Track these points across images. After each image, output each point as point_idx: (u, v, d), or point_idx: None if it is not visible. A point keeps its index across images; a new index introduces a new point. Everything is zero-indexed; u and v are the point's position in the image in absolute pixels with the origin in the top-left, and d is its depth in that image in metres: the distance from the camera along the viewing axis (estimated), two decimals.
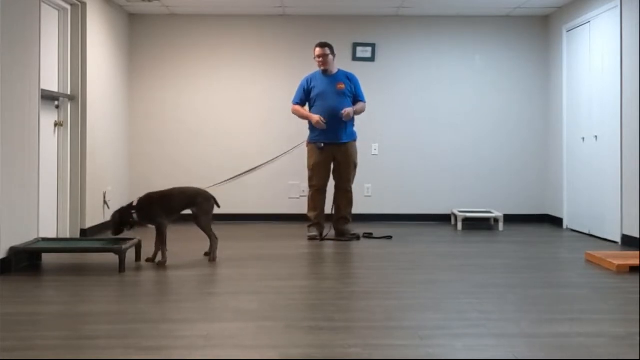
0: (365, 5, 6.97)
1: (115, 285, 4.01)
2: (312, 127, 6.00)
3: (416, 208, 7.44)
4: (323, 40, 6.12)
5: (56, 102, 5.67)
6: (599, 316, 3.31)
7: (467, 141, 7.48)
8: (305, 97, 6.07)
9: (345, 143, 5.97)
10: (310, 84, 6.04)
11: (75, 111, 5.90)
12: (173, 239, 4.96)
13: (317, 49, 6.00)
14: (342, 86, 5.98)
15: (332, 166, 6.03)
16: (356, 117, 6.13)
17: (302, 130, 6.20)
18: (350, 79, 6.07)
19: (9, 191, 4.37)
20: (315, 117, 5.89)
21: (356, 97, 6.07)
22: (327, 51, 5.98)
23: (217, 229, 5.39)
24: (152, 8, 7.05)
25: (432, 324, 3.10)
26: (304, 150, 6.13)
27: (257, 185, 7.37)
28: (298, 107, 6.07)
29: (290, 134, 7.01)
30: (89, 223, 6.01)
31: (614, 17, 5.92)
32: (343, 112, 5.84)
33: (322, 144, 5.93)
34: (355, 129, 6.09)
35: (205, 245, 4.90)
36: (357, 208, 6.44)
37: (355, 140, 6.07)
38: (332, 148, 5.95)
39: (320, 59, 5.99)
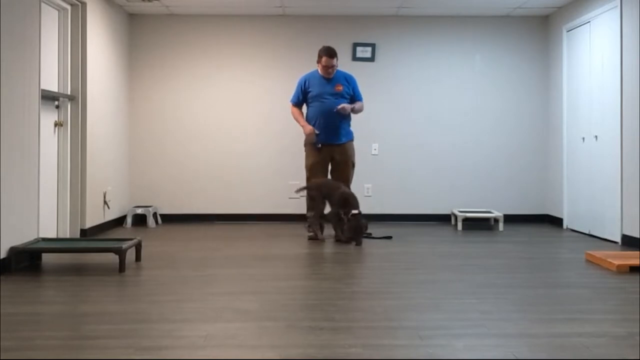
0: (365, 5, 6.97)
1: (115, 285, 4.00)
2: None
3: (416, 208, 7.44)
4: (328, 45, 6.02)
5: (56, 102, 5.67)
6: (599, 316, 3.30)
7: (467, 141, 7.48)
8: (303, 96, 6.05)
9: (343, 143, 5.98)
10: (308, 85, 6.02)
11: (75, 111, 5.90)
12: (172, 238, 4.95)
13: (326, 59, 5.88)
14: (341, 88, 5.97)
15: (329, 166, 6.03)
16: (355, 117, 6.15)
17: (302, 130, 6.20)
18: (348, 80, 6.05)
19: (9, 191, 4.37)
20: (308, 128, 5.89)
21: (354, 98, 6.06)
22: (336, 62, 5.92)
23: (218, 228, 5.41)
24: (152, 8, 7.05)
25: (432, 324, 3.10)
26: (303, 150, 6.13)
27: (257, 186, 7.37)
28: (296, 110, 6.07)
29: (290, 133, 7.00)
30: (89, 223, 6.01)
31: (614, 17, 5.92)
32: (339, 106, 5.84)
33: (320, 144, 5.93)
34: (352, 129, 6.10)
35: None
36: None
37: (352, 140, 6.08)
38: (330, 148, 5.96)
39: (329, 70, 5.92)
